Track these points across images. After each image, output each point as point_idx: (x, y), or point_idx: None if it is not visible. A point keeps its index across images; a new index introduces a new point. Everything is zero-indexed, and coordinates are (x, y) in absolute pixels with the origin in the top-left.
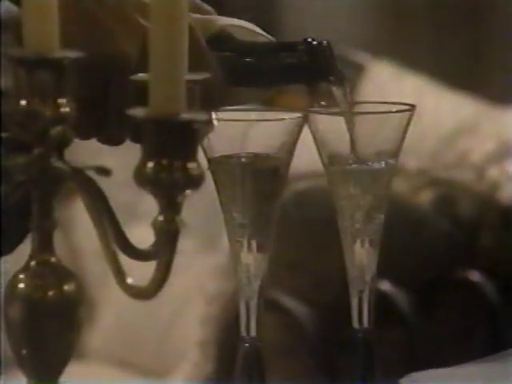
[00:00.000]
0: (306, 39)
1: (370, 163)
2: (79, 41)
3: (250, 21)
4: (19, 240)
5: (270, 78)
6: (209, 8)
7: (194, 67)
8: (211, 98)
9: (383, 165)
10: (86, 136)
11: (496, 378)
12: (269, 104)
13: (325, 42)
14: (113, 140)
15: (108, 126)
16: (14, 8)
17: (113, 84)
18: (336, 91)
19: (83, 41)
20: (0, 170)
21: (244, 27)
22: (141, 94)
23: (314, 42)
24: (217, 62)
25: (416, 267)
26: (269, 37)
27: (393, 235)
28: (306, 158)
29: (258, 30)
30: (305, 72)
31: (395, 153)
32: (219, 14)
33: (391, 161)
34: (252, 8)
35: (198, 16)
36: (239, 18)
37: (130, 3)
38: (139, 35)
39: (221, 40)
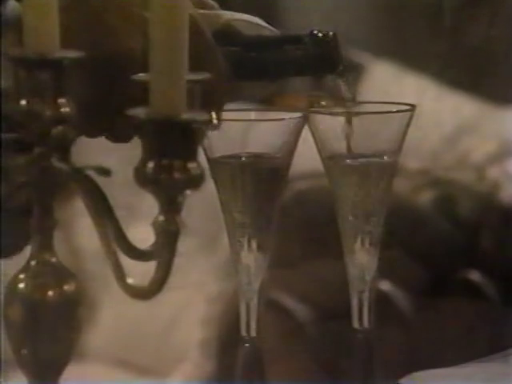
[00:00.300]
0: (311, 31)
1: (370, 163)
2: (84, 39)
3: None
4: (20, 244)
5: (277, 72)
6: (213, 3)
7: (200, 62)
8: (217, 94)
9: (384, 165)
10: (94, 134)
11: (496, 378)
12: (269, 104)
13: (331, 33)
14: (121, 137)
15: (116, 124)
16: (18, 7)
17: (119, 81)
18: (342, 83)
19: (88, 39)
20: (0, 170)
21: (249, 21)
22: (146, 93)
23: (320, 34)
24: (223, 56)
25: (416, 267)
26: (274, 30)
27: (393, 235)
28: (306, 158)
29: (262, 23)
30: (311, 64)
31: (396, 153)
32: (223, 9)
33: (392, 161)
34: (253, 7)
35: (203, 11)
36: (243, 12)
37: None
38: (144, 31)
39: (226, 35)
